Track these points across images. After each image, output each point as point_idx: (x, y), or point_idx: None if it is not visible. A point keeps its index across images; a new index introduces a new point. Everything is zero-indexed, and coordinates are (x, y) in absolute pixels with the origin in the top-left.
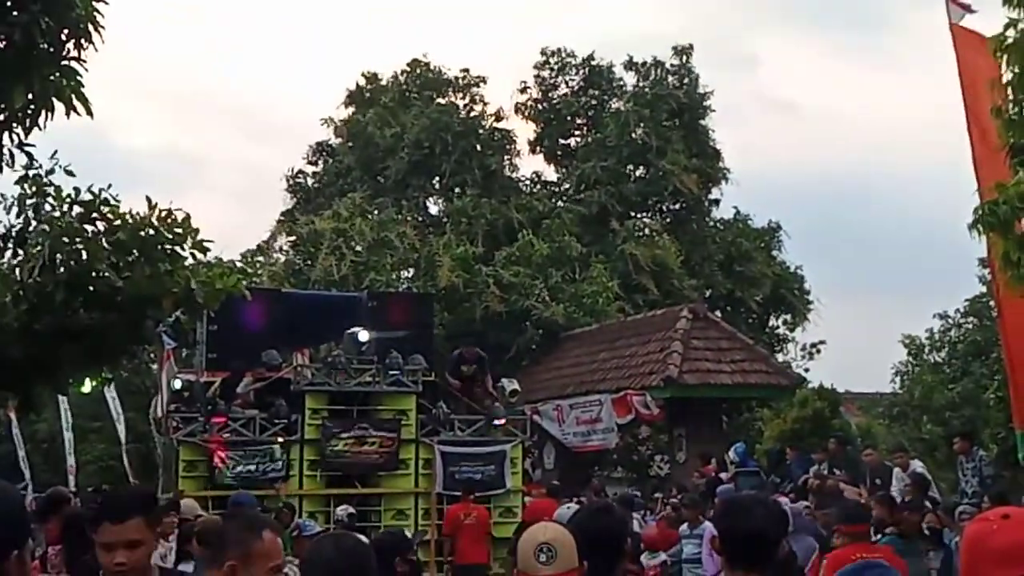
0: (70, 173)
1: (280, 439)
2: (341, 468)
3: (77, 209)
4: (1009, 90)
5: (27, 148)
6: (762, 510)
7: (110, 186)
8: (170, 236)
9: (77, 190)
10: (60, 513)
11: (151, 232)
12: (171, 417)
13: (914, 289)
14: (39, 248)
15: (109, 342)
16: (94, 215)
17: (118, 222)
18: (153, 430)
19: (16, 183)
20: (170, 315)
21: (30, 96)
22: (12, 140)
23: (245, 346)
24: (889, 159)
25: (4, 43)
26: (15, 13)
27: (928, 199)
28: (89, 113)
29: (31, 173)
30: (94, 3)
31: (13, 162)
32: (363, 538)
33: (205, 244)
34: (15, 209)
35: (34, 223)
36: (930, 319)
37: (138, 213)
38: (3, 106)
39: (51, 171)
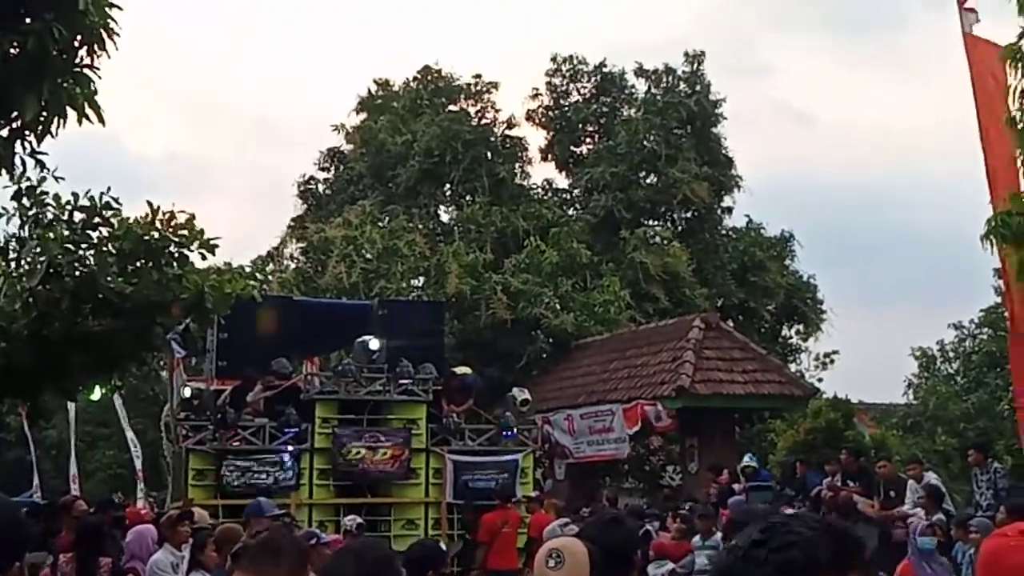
0: (58, 179)
1: (290, 448)
2: (353, 477)
3: (78, 215)
4: (1021, 100)
5: (39, 156)
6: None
7: (109, 189)
8: (176, 239)
9: (76, 195)
10: (69, 521)
11: (156, 236)
12: (180, 425)
13: (929, 299)
14: (41, 255)
15: (117, 349)
16: (96, 220)
17: (121, 228)
18: (164, 437)
19: (12, 198)
20: (180, 322)
21: (42, 103)
22: (24, 148)
23: (255, 354)
24: (904, 167)
25: (17, 51)
26: (28, 21)
27: (944, 208)
28: (101, 121)
29: (24, 186)
30: (108, 11)
31: (25, 170)
32: (387, 548)
33: (212, 243)
34: (16, 220)
35: (36, 233)
36: (945, 329)
37: (142, 217)
38: (15, 114)
39: (43, 179)
